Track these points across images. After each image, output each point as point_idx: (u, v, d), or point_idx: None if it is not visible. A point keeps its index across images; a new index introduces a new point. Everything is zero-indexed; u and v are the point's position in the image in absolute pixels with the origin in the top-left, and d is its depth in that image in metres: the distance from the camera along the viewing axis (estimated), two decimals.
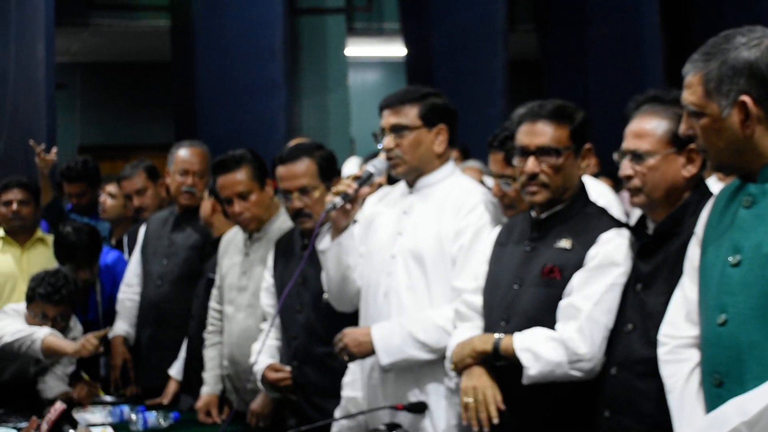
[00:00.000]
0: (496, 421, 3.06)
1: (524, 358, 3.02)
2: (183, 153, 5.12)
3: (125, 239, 5.76)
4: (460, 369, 3.19)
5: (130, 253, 5.40)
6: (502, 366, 3.10)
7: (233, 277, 4.41)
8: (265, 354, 3.96)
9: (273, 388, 3.99)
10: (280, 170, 3.91)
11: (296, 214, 3.90)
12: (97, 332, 4.38)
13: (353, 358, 3.55)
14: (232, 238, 4.51)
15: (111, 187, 6.05)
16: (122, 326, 5.18)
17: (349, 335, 3.54)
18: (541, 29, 10.78)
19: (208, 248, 4.79)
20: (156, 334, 5.04)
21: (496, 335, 3.12)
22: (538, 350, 3.01)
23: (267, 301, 4.16)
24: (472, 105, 8.41)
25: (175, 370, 4.83)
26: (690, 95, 2.50)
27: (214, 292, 4.55)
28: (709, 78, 2.45)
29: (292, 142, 4.94)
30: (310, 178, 3.86)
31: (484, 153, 5.60)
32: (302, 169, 3.87)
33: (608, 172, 6.13)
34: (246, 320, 4.30)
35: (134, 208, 5.58)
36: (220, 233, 4.63)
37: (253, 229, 4.31)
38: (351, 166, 3.66)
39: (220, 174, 4.26)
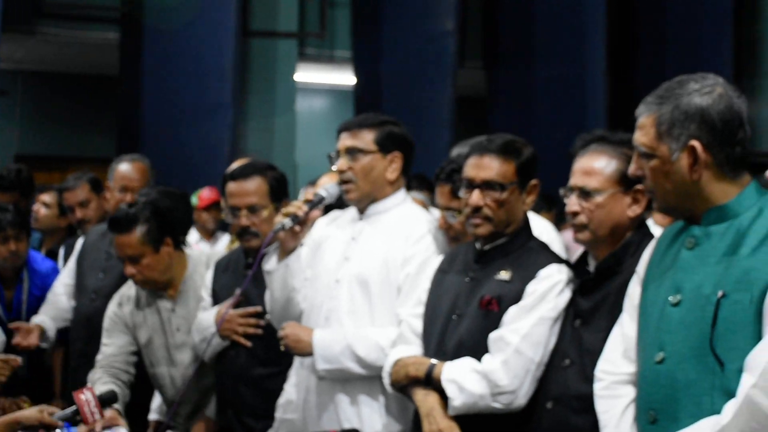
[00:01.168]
0: None
1: (449, 389, 3.06)
2: (123, 168, 5.08)
3: (61, 251, 5.69)
4: (398, 389, 3.25)
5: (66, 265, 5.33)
6: None
7: (159, 342, 4.19)
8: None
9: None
10: (231, 186, 3.88)
11: (242, 232, 3.88)
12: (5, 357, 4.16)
13: (290, 352, 3.57)
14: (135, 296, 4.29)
15: (46, 197, 5.97)
16: (42, 317, 5.00)
17: (292, 330, 3.55)
18: (490, 67, 10.86)
19: None
20: (86, 349, 4.91)
21: (431, 361, 3.15)
22: (462, 382, 3.05)
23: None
24: (417, 137, 8.35)
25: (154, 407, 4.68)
26: (642, 136, 2.54)
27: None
28: (662, 121, 2.50)
29: (237, 163, 4.91)
30: (260, 198, 3.85)
31: (429, 185, 5.63)
32: (253, 187, 3.85)
33: (547, 208, 6.19)
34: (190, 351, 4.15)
35: (76, 221, 5.50)
36: None
37: (151, 289, 4.13)
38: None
39: (114, 233, 4.05)
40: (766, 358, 2.28)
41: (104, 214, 5.29)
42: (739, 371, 2.33)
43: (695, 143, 2.47)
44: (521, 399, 3.01)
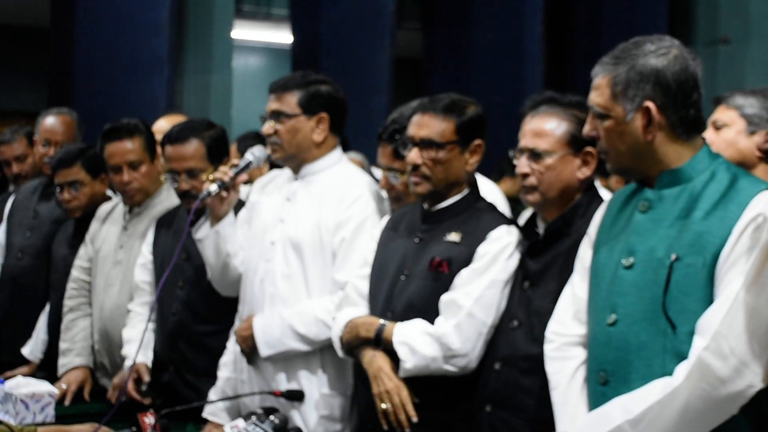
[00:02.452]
0: (415, 419, 3.05)
1: (401, 352, 3.05)
2: (48, 121, 4.98)
3: None
4: (347, 349, 3.24)
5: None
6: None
7: (108, 249, 4.29)
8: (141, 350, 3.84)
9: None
10: (168, 150, 3.81)
11: (183, 195, 3.82)
12: None
13: (246, 353, 3.54)
14: (110, 209, 4.39)
15: None
16: None
17: (237, 332, 3.56)
18: (427, 28, 10.84)
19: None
20: (11, 309, 4.86)
21: (380, 322, 3.14)
22: (413, 344, 3.03)
23: (142, 277, 4.07)
24: (355, 97, 8.31)
25: (29, 350, 4.65)
26: (597, 97, 2.54)
27: (79, 261, 4.40)
28: (617, 81, 2.49)
29: (164, 119, 4.82)
30: (198, 161, 3.77)
31: (365, 145, 5.61)
32: (191, 150, 3.77)
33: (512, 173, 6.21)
34: (119, 295, 4.19)
35: (12, 175, 5.35)
36: None
37: (138, 201, 4.20)
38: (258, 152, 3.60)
39: (112, 141, 4.13)
40: (718, 321, 2.29)
41: (37, 170, 5.16)
42: (691, 334, 2.35)
43: (650, 104, 2.47)
44: (473, 362, 3.01)
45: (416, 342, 3.03)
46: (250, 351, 3.52)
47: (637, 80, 2.47)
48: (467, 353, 3.00)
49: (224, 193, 3.49)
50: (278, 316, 3.46)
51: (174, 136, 3.80)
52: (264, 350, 3.46)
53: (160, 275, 3.95)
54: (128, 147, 4.10)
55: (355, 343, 3.19)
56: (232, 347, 3.68)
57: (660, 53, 2.48)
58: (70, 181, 4.37)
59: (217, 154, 3.82)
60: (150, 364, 3.93)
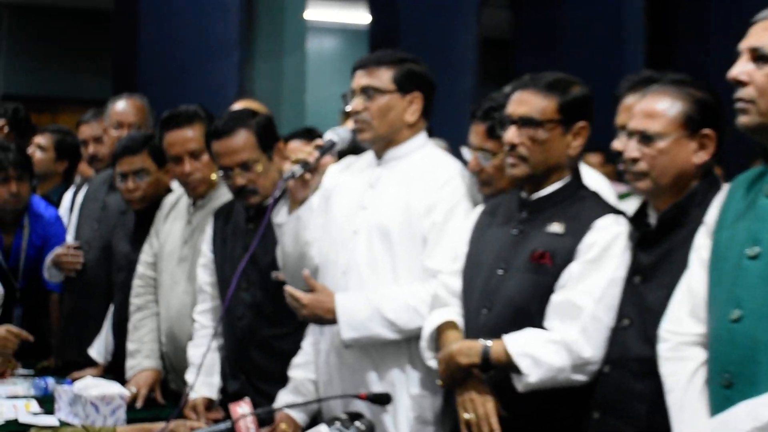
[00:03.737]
0: None
1: (523, 365, 2.95)
2: (119, 105, 5.07)
3: (67, 198, 5.67)
4: (449, 385, 3.16)
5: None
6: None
7: (173, 245, 4.33)
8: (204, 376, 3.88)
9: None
10: (216, 146, 3.81)
11: (239, 192, 3.82)
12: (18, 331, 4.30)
13: (311, 321, 3.52)
14: (174, 202, 4.43)
15: (41, 139, 5.93)
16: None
17: (310, 300, 3.46)
18: (516, 5, 10.80)
19: None
20: (77, 305, 4.94)
21: (481, 342, 3.05)
22: (538, 355, 2.95)
23: (205, 278, 4.08)
24: (438, 81, 8.38)
25: (96, 351, 4.71)
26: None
27: (145, 257, 4.45)
28: None
29: (236, 106, 4.84)
30: (250, 151, 3.77)
31: (450, 130, 5.57)
32: (240, 142, 3.76)
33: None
34: (185, 295, 4.22)
35: (88, 156, 5.44)
36: None
37: (201, 193, 4.23)
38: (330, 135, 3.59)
39: (171, 129, 4.17)
40: None
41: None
42: None
43: None
44: (597, 369, 2.96)
45: (540, 352, 2.94)
46: (321, 324, 3.49)
47: None
48: (598, 360, 2.94)
49: (308, 176, 3.47)
50: (365, 298, 3.44)
51: (220, 130, 3.79)
52: (346, 332, 3.41)
53: (221, 275, 3.98)
54: (188, 135, 4.12)
55: (459, 376, 3.10)
56: (307, 347, 3.68)
57: None
58: (136, 169, 4.41)
59: (267, 141, 3.82)
60: (214, 395, 3.95)
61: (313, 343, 3.65)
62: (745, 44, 2.53)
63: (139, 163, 4.41)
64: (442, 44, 9.37)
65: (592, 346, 2.93)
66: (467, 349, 3.07)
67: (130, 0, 8.79)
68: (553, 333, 2.98)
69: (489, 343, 3.03)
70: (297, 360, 3.70)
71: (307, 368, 3.67)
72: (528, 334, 3.01)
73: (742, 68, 2.51)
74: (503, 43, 10.94)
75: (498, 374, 3.03)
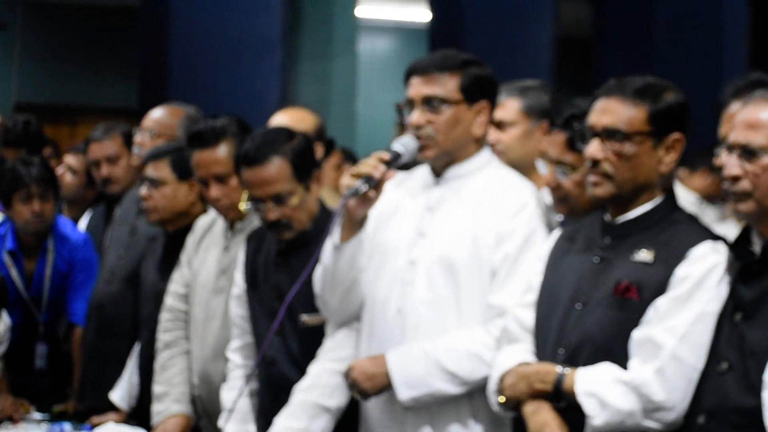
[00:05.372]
0: None
1: (588, 405, 2.97)
2: (156, 112, 5.16)
3: (85, 219, 5.72)
4: (513, 405, 3.16)
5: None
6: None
7: (208, 274, 4.33)
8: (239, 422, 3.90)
9: None
10: (246, 174, 3.79)
11: (272, 226, 3.80)
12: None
13: (365, 395, 3.50)
14: (209, 225, 4.44)
15: (72, 160, 5.99)
16: None
17: (358, 367, 3.49)
18: (598, 1, 10.76)
19: None
20: (97, 341, 4.98)
21: (558, 369, 3.07)
22: (604, 396, 2.96)
23: (237, 311, 4.08)
24: None
25: (119, 395, 4.73)
26: None
27: (175, 287, 4.46)
28: None
29: (284, 116, 4.83)
30: (285, 182, 3.75)
31: None
32: (274, 172, 3.74)
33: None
34: (222, 330, 4.22)
35: (101, 179, 5.47)
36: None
37: (234, 218, 4.25)
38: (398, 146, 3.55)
39: (196, 149, 4.19)
40: None
41: (134, 175, 5.25)
42: None
43: None
44: (681, 415, 2.94)
45: (607, 392, 2.95)
46: (373, 393, 3.47)
47: None
48: (674, 405, 2.92)
49: (372, 193, 3.42)
50: (420, 350, 3.43)
51: (251, 157, 3.76)
52: (404, 392, 3.41)
53: (253, 308, 3.98)
54: (215, 157, 4.13)
55: (525, 398, 3.12)
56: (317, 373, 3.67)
57: None
58: (153, 177, 4.48)
59: (305, 169, 3.80)
60: None
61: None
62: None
63: (157, 171, 4.49)
64: (513, 44, 9.39)
65: (666, 389, 2.91)
66: (544, 374, 3.09)
67: None
68: (627, 372, 2.97)
69: (567, 371, 3.05)
70: (301, 384, 3.68)
71: (311, 392, 3.65)
72: (601, 370, 3.01)
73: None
74: (584, 42, 10.91)
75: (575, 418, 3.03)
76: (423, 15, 10.37)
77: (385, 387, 3.45)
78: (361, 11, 10.61)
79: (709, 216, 5.11)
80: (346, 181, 3.48)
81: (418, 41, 11.07)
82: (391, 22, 12.72)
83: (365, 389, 3.48)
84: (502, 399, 3.18)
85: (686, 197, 4.55)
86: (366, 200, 3.44)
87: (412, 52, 11.52)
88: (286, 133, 3.88)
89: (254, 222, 4.17)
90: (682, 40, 9.82)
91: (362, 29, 10.78)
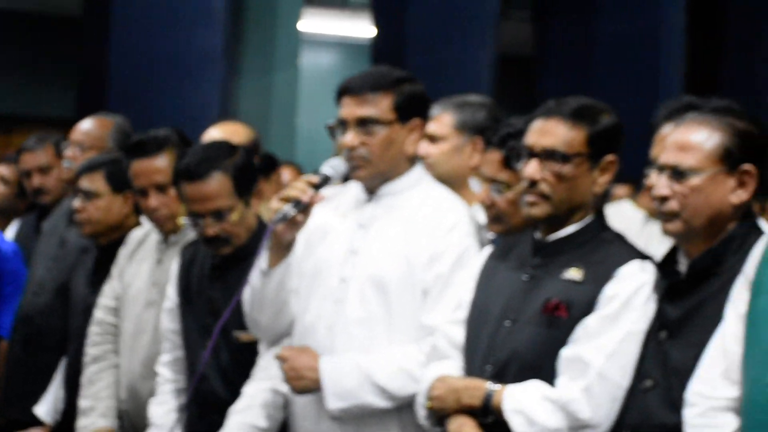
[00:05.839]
0: None
1: (515, 422, 3.00)
2: (84, 124, 5.11)
3: (13, 227, 5.67)
4: (438, 417, 3.18)
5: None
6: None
7: (139, 287, 4.30)
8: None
9: None
10: (187, 189, 3.76)
11: (210, 241, 3.79)
12: None
13: (296, 388, 3.47)
14: (142, 238, 4.41)
15: (4, 169, 5.93)
16: None
17: (291, 361, 3.45)
18: (539, 19, 10.83)
19: None
20: (23, 356, 4.92)
21: (488, 385, 3.08)
22: (531, 413, 2.98)
23: (168, 325, 4.05)
24: None
25: (44, 409, 4.69)
26: None
27: (105, 300, 4.42)
28: None
29: (218, 130, 4.76)
30: (225, 198, 3.73)
31: None
32: (214, 188, 3.72)
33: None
34: (153, 345, 4.18)
35: (32, 189, 5.43)
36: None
37: (171, 229, 4.23)
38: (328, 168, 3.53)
39: (137, 158, 4.17)
40: None
41: (65, 188, 5.22)
42: None
43: None
44: None
45: (535, 410, 2.98)
46: (299, 392, 3.47)
47: None
48: (599, 423, 2.95)
49: (299, 217, 3.39)
50: (352, 363, 3.42)
51: (192, 172, 3.74)
52: (333, 402, 3.40)
53: (185, 322, 3.96)
54: (155, 166, 4.12)
55: (452, 412, 3.13)
56: (251, 391, 3.67)
57: None
58: (86, 189, 4.44)
59: (245, 185, 3.80)
60: None
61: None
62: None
63: (91, 183, 4.45)
64: (456, 62, 9.43)
65: (592, 407, 2.95)
66: (473, 389, 3.10)
67: (102, 4, 8.82)
68: (554, 390, 3.00)
69: (496, 387, 3.06)
70: (239, 406, 3.67)
71: (250, 412, 3.64)
72: (529, 387, 3.03)
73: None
74: (525, 61, 10.96)
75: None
76: (366, 30, 10.36)
77: (312, 390, 3.43)
78: (303, 25, 10.59)
79: (655, 233, 5.15)
80: (275, 204, 3.42)
81: (361, 56, 11.07)
82: (334, 36, 12.70)
83: (292, 386, 3.46)
84: (429, 404, 3.19)
85: (634, 215, 4.59)
86: (294, 224, 3.40)
87: (355, 67, 11.46)
88: (228, 148, 3.85)
89: (188, 235, 4.15)
90: (620, 62, 9.92)
91: (304, 43, 10.76)
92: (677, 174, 2.88)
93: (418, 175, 3.60)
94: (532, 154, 3.15)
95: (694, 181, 2.86)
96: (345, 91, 3.52)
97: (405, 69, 7.59)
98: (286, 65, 10.22)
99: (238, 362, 3.78)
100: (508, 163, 3.39)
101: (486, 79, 9.47)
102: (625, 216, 6.41)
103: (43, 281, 4.88)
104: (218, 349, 3.79)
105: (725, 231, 2.89)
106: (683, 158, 2.88)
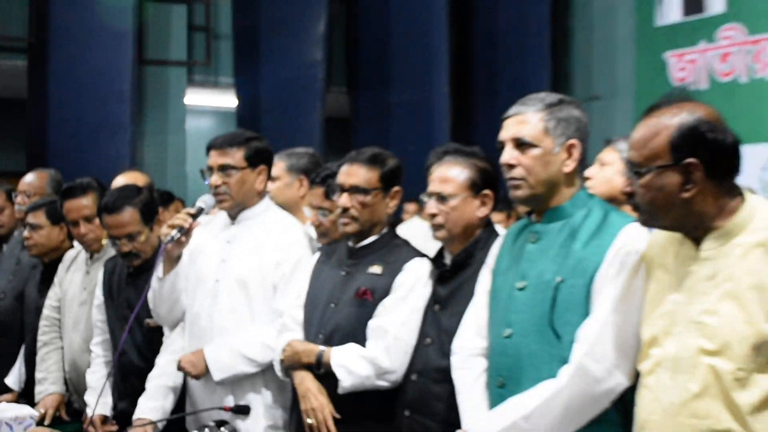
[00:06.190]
0: None
1: (339, 373, 3.01)
2: (28, 178, 4.98)
3: None
4: (287, 369, 3.18)
5: None
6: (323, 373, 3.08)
7: (74, 292, 4.19)
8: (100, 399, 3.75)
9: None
10: (106, 219, 3.70)
11: (125, 255, 3.73)
12: None
13: (193, 377, 3.46)
14: (74, 256, 4.31)
15: None
16: None
17: (185, 359, 3.44)
18: (352, 92, 10.87)
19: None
20: None
21: (319, 349, 3.09)
22: (350, 366, 3.00)
23: (98, 316, 3.97)
24: None
25: (12, 380, 4.55)
26: (523, 128, 2.55)
27: (50, 302, 4.31)
28: (549, 119, 2.53)
29: (124, 177, 4.68)
30: (135, 225, 3.67)
31: None
32: (127, 218, 3.66)
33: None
34: (86, 331, 4.09)
35: None
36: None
37: (96, 249, 4.13)
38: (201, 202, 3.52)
39: (68, 198, 4.07)
40: (594, 331, 2.34)
41: (17, 222, 5.09)
42: (572, 343, 2.38)
43: (574, 142, 2.54)
44: (400, 376, 2.99)
45: (352, 364, 3.00)
46: (197, 375, 3.42)
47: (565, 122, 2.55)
48: (396, 370, 2.98)
49: (183, 238, 3.39)
50: (227, 345, 3.39)
51: (110, 207, 3.67)
52: (217, 375, 3.38)
53: (109, 314, 3.89)
54: (83, 203, 4.03)
55: (297, 367, 3.13)
56: (162, 363, 3.61)
57: (579, 106, 2.60)
58: (32, 223, 4.34)
59: (149, 215, 3.74)
60: (108, 412, 3.81)
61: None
62: (506, 135, 2.57)
63: (36, 219, 4.34)
64: (296, 123, 9.41)
65: (391, 360, 2.97)
66: (309, 352, 3.10)
67: (41, 89, 8.58)
68: (365, 350, 3.02)
69: (324, 349, 3.07)
70: (153, 374, 3.62)
71: (161, 378, 3.59)
72: (348, 348, 3.05)
73: (510, 154, 2.54)
74: (344, 122, 10.99)
75: (329, 381, 3.05)
76: (232, 102, 10.28)
77: (205, 371, 3.41)
78: (188, 99, 10.46)
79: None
80: (164, 230, 3.39)
81: (229, 121, 10.97)
82: (209, 107, 12.53)
83: (192, 374, 3.44)
84: (284, 359, 3.18)
85: (422, 225, 4.57)
86: (180, 244, 3.40)
87: (225, 129, 11.38)
88: (136, 189, 3.78)
89: (108, 253, 4.07)
90: (408, 120, 10.06)
91: (189, 113, 10.60)
92: (441, 198, 2.92)
93: (266, 204, 3.58)
94: (343, 189, 3.17)
95: (452, 202, 2.90)
96: (211, 146, 3.50)
97: (260, 129, 7.64)
98: (176, 129, 10.07)
99: (149, 341, 3.71)
100: (328, 195, 3.41)
101: (317, 136, 9.47)
102: (416, 227, 6.52)
103: (5, 290, 4.71)
104: (133, 332, 3.71)
105: (474, 236, 2.94)
106: (444, 187, 2.92)
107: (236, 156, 3.46)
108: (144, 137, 9.65)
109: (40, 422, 3.82)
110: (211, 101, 12.09)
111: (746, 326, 2.07)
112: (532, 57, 10.98)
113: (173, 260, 3.46)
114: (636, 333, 2.30)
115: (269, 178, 3.60)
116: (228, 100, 10.91)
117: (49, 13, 8.48)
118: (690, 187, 2.13)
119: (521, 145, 2.53)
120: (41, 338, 4.30)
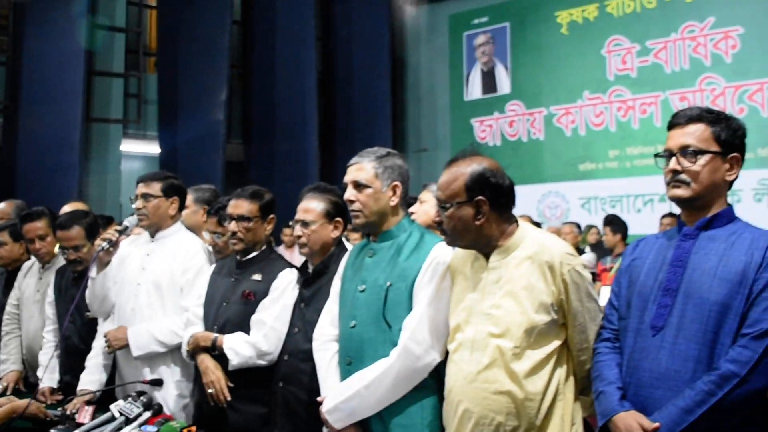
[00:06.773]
0: (229, 398, 2.91)
1: (229, 354, 2.90)
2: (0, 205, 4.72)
3: None
4: (190, 356, 3.05)
5: None
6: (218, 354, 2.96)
7: (30, 293, 3.95)
8: (47, 374, 3.54)
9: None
10: (59, 234, 3.52)
11: (71, 262, 3.56)
12: None
13: (114, 348, 3.27)
14: (30, 265, 4.07)
15: None
16: None
17: (111, 333, 3.27)
18: (246, 142, 10.73)
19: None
20: None
21: (214, 335, 2.97)
22: (237, 348, 2.90)
23: (50, 311, 3.75)
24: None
25: None
26: (360, 173, 2.50)
27: (11, 301, 4.05)
28: (379, 167, 2.49)
29: (69, 206, 4.46)
30: (81, 240, 3.50)
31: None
32: (74, 234, 3.49)
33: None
34: (38, 322, 3.86)
35: None
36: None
37: (47, 260, 3.89)
38: (127, 222, 3.38)
39: (26, 222, 3.85)
40: (415, 321, 2.32)
41: None
42: (400, 330, 2.35)
43: (397, 183, 2.49)
44: (275, 357, 2.90)
45: (239, 347, 2.89)
46: (118, 348, 3.27)
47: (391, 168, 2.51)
48: (272, 352, 2.88)
49: (111, 249, 3.24)
50: (145, 329, 3.24)
51: (63, 224, 3.51)
52: (135, 351, 3.22)
53: (58, 308, 3.68)
54: (38, 225, 3.83)
55: (197, 350, 3.00)
56: (97, 347, 3.42)
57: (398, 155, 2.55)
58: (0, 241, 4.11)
59: (92, 233, 3.58)
60: (55, 384, 3.57)
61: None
62: (348, 179, 2.53)
63: (1, 237, 4.10)
64: (203, 167, 9.22)
65: (268, 344, 2.88)
66: (206, 338, 2.98)
67: (13, 139, 8.15)
68: (249, 336, 2.93)
69: (218, 336, 2.96)
70: (91, 354, 3.44)
71: (98, 358, 3.41)
72: (236, 335, 2.95)
73: (350, 193, 2.51)
74: (239, 165, 10.83)
75: (222, 360, 2.93)
76: (157, 150, 9.96)
77: (124, 347, 3.24)
78: (123, 147, 10.10)
79: None
80: (98, 241, 3.24)
81: (155, 164, 10.61)
82: (139, 152, 12.08)
83: (114, 346, 3.26)
84: (188, 348, 3.05)
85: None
86: (108, 252, 3.24)
87: (150, 170, 10.98)
88: (84, 213, 3.62)
89: (57, 264, 3.84)
90: (288, 165, 10.03)
91: (124, 158, 10.26)
92: (304, 224, 2.83)
93: (177, 227, 3.43)
94: (231, 218, 3.06)
95: (313, 227, 2.81)
96: (139, 180, 3.38)
97: (177, 171, 7.35)
98: (114, 170, 9.74)
99: (89, 329, 3.50)
100: (220, 222, 3.29)
101: (219, 176, 9.31)
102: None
103: None
104: (76, 321, 3.52)
105: (329, 252, 2.86)
106: (306, 215, 2.82)
107: (155, 187, 3.34)
108: (89, 176, 9.31)
109: (2, 393, 3.57)
110: (141, 149, 11.72)
111: (521, 316, 2.14)
112: (378, 119, 11.17)
113: (104, 265, 3.30)
114: (446, 322, 2.30)
115: (182, 207, 3.45)
116: (154, 148, 10.59)
117: (21, 82, 8.24)
118: (480, 217, 2.18)
119: (358, 186, 2.50)
120: (4, 329, 4.06)
